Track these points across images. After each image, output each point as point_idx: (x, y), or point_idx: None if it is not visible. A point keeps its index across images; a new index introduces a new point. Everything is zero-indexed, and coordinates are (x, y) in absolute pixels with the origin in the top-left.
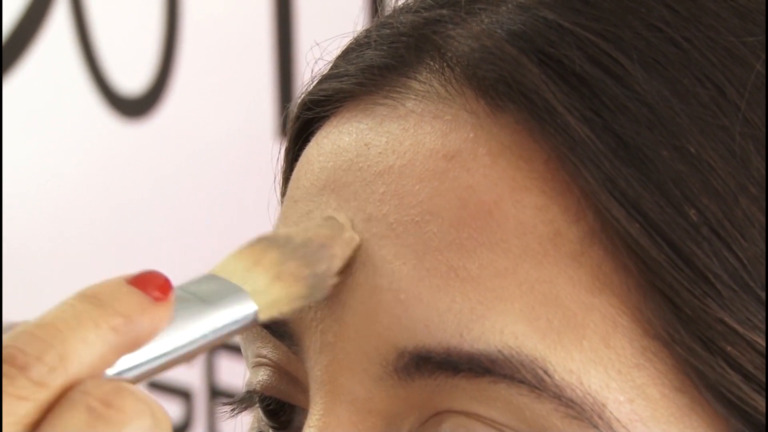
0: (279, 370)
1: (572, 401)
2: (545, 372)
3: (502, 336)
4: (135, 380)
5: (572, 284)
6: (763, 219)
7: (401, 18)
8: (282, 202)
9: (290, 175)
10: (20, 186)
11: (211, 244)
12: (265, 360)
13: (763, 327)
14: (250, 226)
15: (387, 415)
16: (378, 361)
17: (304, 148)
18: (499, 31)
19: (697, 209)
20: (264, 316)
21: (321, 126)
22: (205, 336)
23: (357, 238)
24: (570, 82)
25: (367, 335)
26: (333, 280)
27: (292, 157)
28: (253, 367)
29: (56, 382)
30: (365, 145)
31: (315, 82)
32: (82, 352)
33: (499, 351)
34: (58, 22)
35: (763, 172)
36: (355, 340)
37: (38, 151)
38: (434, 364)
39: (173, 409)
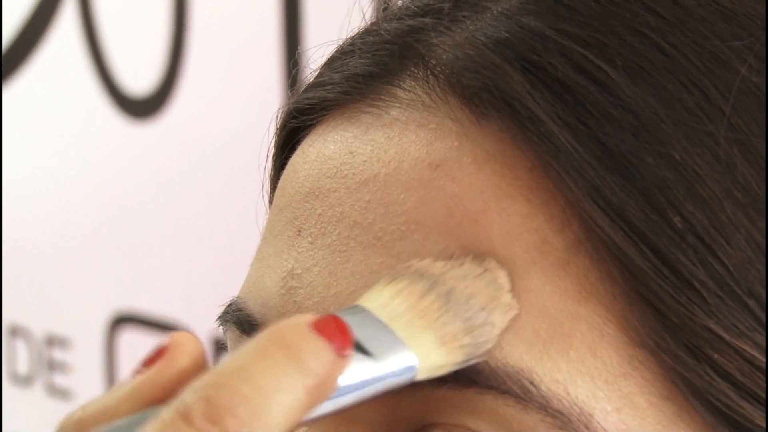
0: None
1: (559, 412)
2: (531, 383)
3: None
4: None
5: (559, 293)
6: (749, 225)
7: (385, 25)
8: (269, 210)
9: (277, 183)
10: (26, 186)
11: (217, 246)
12: None
13: (750, 334)
14: (257, 228)
15: (374, 426)
16: None
17: (290, 157)
18: (483, 38)
19: (682, 216)
20: (420, 378)
21: (307, 134)
22: (364, 394)
23: (516, 307)
24: (553, 90)
25: None
26: (485, 351)
27: (279, 166)
28: None
29: None
30: (350, 153)
31: (300, 91)
32: (278, 418)
33: (485, 362)
34: (66, 22)
35: (749, 177)
36: None
37: (45, 152)
38: None
39: None
